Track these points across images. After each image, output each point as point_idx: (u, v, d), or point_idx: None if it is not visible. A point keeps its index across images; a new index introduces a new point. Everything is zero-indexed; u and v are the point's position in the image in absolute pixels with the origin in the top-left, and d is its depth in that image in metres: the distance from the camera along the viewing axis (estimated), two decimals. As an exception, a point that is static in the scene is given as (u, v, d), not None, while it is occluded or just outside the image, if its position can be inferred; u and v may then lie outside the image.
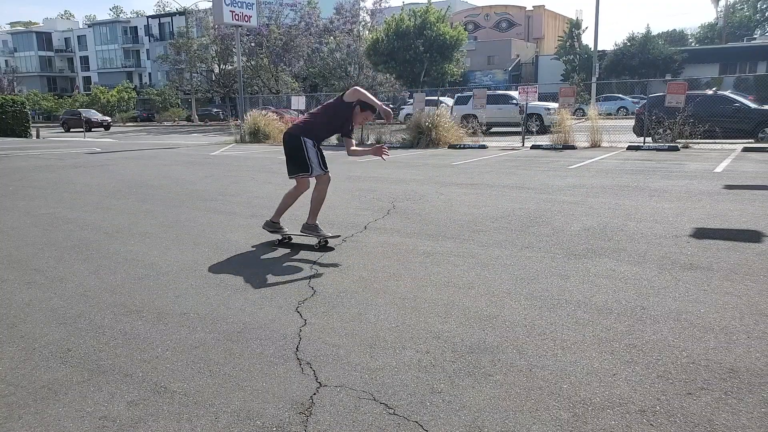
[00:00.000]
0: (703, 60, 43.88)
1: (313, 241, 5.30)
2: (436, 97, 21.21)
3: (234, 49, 38.97)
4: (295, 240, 5.47)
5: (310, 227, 5.30)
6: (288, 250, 5.12)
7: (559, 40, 48.85)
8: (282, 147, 5.27)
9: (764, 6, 63.63)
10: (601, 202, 7.04)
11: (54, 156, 16.85)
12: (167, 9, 67.64)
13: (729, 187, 7.97)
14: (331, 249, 5.13)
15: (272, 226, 5.48)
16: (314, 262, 4.67)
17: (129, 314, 3.61)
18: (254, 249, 5.19)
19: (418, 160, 13.39)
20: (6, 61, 78.18)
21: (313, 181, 5.26)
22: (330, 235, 5.30)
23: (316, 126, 5.21)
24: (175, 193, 8.83)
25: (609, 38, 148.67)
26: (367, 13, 42.84)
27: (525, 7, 62.15)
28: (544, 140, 16.50)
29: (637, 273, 4.14)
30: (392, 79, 37.93)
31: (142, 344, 3.15)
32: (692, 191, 7.62)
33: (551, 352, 2.91)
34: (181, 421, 2.37)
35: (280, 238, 5.47)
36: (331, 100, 5.34)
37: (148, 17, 73.41)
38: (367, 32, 41.28)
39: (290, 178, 5.33)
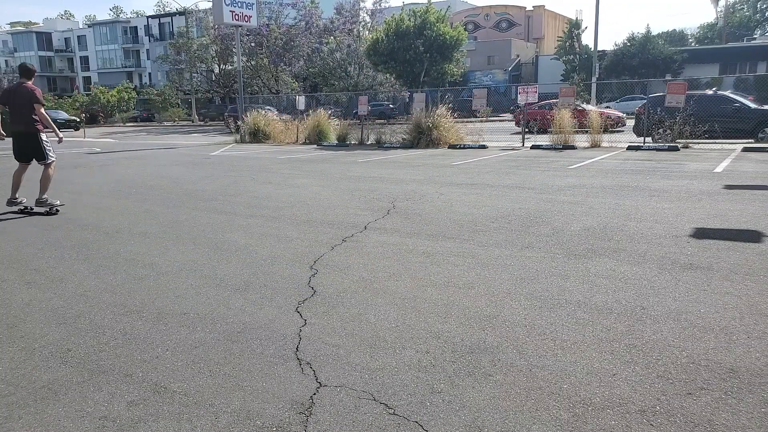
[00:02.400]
0: (703, 60, 43.84)
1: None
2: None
3: (234, 49, 38.97)
4: (296, 240, 5.47)
5: (41, 202, 7.06)
6: (289, 250, 5.12)
7: (558, 40, 48.82)
8: (22, 139, 7.04)
9: (764, 6, 63.61)
10: (601, 202, 7.03)
11: (54, 156, 16.83)
12: (167, 9, 67.70)
13: (729, 187, 7.96)
14: (56, 213, 7.04)
15: (12, 202, 7.16)
16: (314, 262, 4.67)
17: (129, 314, 3.61)
18: (254, 249, 5.19)
19: (418, 160, 13.39)
20: (6, 61, 78.20)
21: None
22: (57, 204, 7.22)
23: (43, 121, 6.98)
24: (175, 194, 8.83)
25: (609, 38, 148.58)
26: (367, 13, 42.84)
27: (525, 7, 62.10)
28: (544, 140, 16.50)
29: (637, 273, 4.14)
30: (392, 79, 37.94)
31: (142, 344, 3.15)
32: (692, 191, 7.62)
33: (551, 352, 2.91)
34: (181, 421, 2.37)
35: (21, 208, 7.22)
36: (34, 94, 6.92)
37: (148, 17, 73.39)
38: (367, 32, 41.28)
39: (21, 162, 7.22)
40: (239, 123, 22.95)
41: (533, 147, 15.80)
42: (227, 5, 21.47)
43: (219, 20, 23.83)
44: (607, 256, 4.62)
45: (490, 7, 62.47)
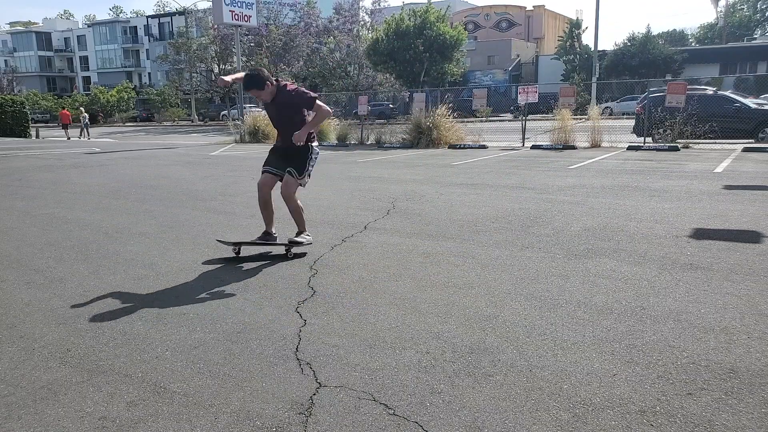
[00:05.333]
0: (703, 60, 43.84)
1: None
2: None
3: (234, 49, 38.98)
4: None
5: None
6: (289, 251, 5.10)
7: (559, 40, 48.84)
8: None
9: (764, 6, 63.62)
10: (602, 202, 7.03)
11: (53, 156, 16.85)
12: (167, 9, 67.66)
13: (729, 187, 7.96)
14: None
15: None
16: (314, 262, 4.67)
17: (129, 314, 3.61)
18: (254, 249, 5.18)
19: (418, 160, 13.39)
20: (6, 61, 78.14)
21: None
22: None
23: None
24: (174, 193, 8.82)
25: (609, 38, 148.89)
26: (366, 13, 42.86)
27: (525, 7, 62.08)
28: (544, 140, 16.51)
29: (637, 273, 4.14)
30: (392, 79, 37.94)
31: (142, 344, 3.15)
32: (692, 191, 7.62)
33: (551, 352, 2.91)
34: (181, 421, 2.37)
35: None
36: None
37: (147, 17, 73.37)
38: (366, 32, 41.30)
39: None
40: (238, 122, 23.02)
41: (533, 147, 15.79)
42: (227, 5, 21.47)
43: (219, 20, 23.83)
44: (607, 256, 4.62)
45: (490, 7, 62.45)
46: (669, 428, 2.22)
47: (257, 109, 23.34)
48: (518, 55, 54.04)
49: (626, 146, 14.72)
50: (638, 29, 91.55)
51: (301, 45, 42.50)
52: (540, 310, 3.47)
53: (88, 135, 29.99)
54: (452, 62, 36.47)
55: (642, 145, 14.60)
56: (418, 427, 2.28)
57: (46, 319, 3.56)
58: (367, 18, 42.83)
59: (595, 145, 15.33)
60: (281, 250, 4.97)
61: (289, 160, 4.81)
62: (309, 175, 4.91)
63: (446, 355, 2.90)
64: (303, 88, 4.78)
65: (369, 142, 18.94)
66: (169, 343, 3.16)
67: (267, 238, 5.01)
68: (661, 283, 3.91)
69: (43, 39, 79.24)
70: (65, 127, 31.75)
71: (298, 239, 4.88)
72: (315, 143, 4.93)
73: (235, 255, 4.93)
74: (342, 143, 19.15)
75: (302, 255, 4.90)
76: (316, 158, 4.92)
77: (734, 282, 3.88)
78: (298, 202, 4.92)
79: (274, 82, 4.67)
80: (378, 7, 41.89)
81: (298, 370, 2.78)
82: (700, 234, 5.26)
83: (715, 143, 14.38)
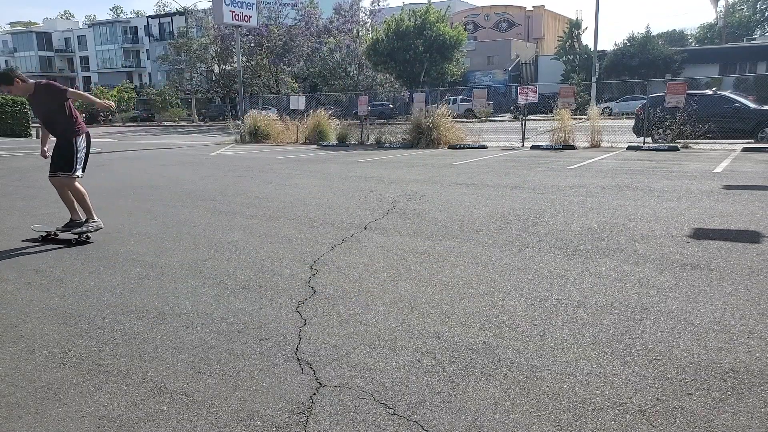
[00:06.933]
0: (703, 60, 43.84)
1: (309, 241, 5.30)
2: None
3: (234, 49, 38.99)
4: (296, 240, 5.47)
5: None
6: (289, 250, 5.11)
7: (558, 41, 48.87)
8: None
9: (764, 6, 63.65)
10: (601, 202, 7.04)
11: (54, 156, 16.83)
12: (167, 9, 67.68)
13: (728, 187, 7.96)
14: None
15: None
16: (314, 262, 4.67)
17: (129, 314, 3.61)
18: (254, 249, 5.19)
19: (418, 160, 13.39)
20: (6, 61, 78.07)
21: None
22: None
23: None
24: (175, 193, 8.83)
25: (609, 38, 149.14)
26: (366, 14, 42.89)
27: (525, 7, 62.10)
28: (544, 140, 16.51)
29: (637, 273, 4.14)
30: (392, 79, 37.95)
31: (142, 344, 3.15)
32: (692, 191, 7.62)
33: (551, 352, 2.91)
34: (181, 421, 2.37)
35: None
36: None
37: (148, 17, 73.35)
38: (366, 32, 41.33)
39: None
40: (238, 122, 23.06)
41: (533, 147, 15.80)
42: (227, 5, 21.50)
43: (219, 20, 23.87)
44: (607, 256, 4.62)
45: (490, 7, 62.46)
46: (669, 428, 2.23)
47: (265, 112, 23.34)
48: (518, 56, 54.05)
49: (626, 146, 14.73)
50: (638, 29, 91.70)
51: (301, 45, 42.52)
52: (540, 310, 3.47)
53: None
54: (452, 62, 36.50)
55: (642, 145, 14.60)
56: (418, 427, 2.28)
57: (46, 319, 3.56)
58: (366, 19, 42.87)
59: (595, 145, 15.33)
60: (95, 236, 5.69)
61: (58, 159, 5.42)
62: (83, 168, 5.54)
63: (446, 355, 2.91)
64: (55, 83, 5.32)
65: (369, 142, 18.94)
66: (169, 343, 3.16)
67: (71, 225, 5.63)
68: (660, 283, 3.91)
69: (44, 39, 79.21)
70: None
71: (80, 229, 5.54)
72: (80, 138, 5.47)
73: (43, 239, 5.64)
74: (342, 143, 19.15)
75: (89, 242, 5.59)
76: (83, 150, 5.49)
77: (734, 282, 3.88)
78: (80, 188, 5.53)
79: (29, 81, 5.20)
80: (377, 7, 41.93)
81: (299, 370, 2.79)
82: (699, 234, 5.27)
83: (715, 143, 14.38)
